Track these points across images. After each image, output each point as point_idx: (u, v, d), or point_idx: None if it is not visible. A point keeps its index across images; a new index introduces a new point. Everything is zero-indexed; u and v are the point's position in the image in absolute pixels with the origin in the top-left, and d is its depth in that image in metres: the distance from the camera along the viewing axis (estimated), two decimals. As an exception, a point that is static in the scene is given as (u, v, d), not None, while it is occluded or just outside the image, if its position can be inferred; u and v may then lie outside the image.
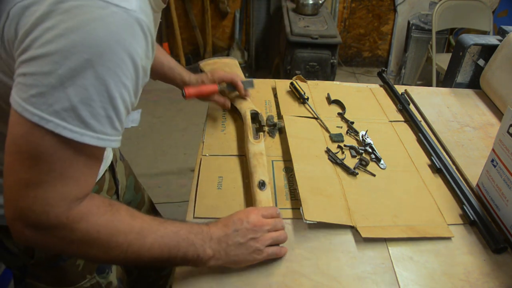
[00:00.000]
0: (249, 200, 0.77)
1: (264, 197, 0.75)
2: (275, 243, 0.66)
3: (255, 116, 0.98)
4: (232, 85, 0.98)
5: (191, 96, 0.90)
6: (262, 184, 0.77)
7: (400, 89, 1.18)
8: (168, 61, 0.96)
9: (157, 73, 0.96)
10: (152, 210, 1.11)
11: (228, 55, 3.22)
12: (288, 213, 0.76)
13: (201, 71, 1.10)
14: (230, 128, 0.99)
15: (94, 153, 0.51)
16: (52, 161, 0.47)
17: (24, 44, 0.45)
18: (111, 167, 0.83)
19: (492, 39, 1.22)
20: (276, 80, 1.18)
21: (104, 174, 0.79)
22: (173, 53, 3.04)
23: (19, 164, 0.47)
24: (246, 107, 0.98)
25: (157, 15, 0.63)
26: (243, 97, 1.00)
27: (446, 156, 0.93)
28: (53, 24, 0.44)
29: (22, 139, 0.46)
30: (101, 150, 0.52)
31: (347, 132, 0.99)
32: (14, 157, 0.47)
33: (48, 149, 0.46)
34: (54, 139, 0.46)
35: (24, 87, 0.45)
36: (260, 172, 0.80)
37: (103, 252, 0.54)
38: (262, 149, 0.86)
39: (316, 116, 1.02)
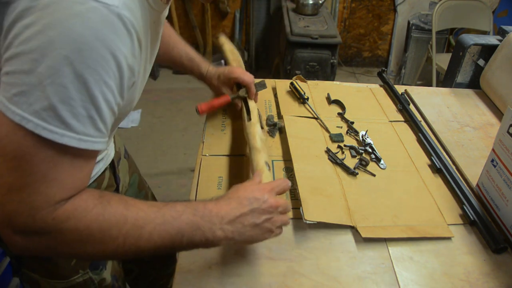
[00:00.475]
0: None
1: (269, 174, 0.73)
2: (282, 225, 0.64)
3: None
4: (245, 90, 0.97)
5: (205, 112, 0.94)
6: (267, 164, 0.75)
7: (400, 89, 1.18)
8: (187, 52, 0.97)
9: (176, 64, 0.98)
10: None
11: (228, 55, 3.21)
12: (288, 213, 0.76)
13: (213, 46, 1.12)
14: (230, 128, 0.99)
15: (81, 154, 0.49)
16: (34, 162, 0.46)
17: (7, 41, 0.45)
18: (112, 165, 0.83)
19: (492, 39, 1.23)
20: (276, 80, 1.18)
21: (104, 171, 0.79)
22: (173, 53, 3.04)
23: (3, 167, 0.46)
24: (253, 105, 0.98)
25: (159, 14, 0.61)
26: (253, 100, 0.99)
27: (446, 156, 0.93)
28: (32, 20, 0.43)
29: (6, 139, 0.45)
30: (88, 151, 0.49)
31: (347, 132, 0.99)
32: None
33: (30, 150, 0.45)
34: (35, 140, 0.45)
35: (7, 86, 0.44)
36: (264, 156, 0.78)
37: (99, 249, 0.51)
38: (266, 139, 0.86)
39: (316, 116, 1.02)
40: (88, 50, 0.44)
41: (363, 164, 0.88)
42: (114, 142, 0.86)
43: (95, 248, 0.51)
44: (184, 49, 0.97)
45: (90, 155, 0.51)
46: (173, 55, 0.96)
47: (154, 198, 1.11)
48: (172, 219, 0.54)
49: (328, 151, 0.91)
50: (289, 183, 0.66)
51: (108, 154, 0.80)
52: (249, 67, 3.23)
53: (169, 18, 2.92)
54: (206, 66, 0.99)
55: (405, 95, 1.16)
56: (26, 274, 0.75)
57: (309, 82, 1.18)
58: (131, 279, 1.09)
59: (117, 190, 0.86)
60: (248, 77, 0.96)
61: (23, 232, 0.48)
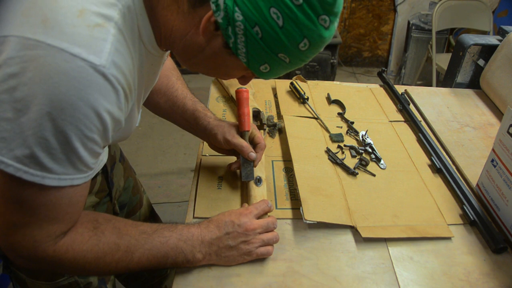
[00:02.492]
0: (246, 197, 0.77)
1: (259, 193, 0.76)
2: (267, 244, 0.67)
3: (256, 114, 0.98)
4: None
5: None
6: (258, 180, 0.78)
7: (400, 89, 1.18)
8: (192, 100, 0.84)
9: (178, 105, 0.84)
10: (150, 213, 1.10)
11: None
12: (288, 213, 0.76)
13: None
14: (230, 128, 0.98)
15: (76, 191, 0.52)
16: (29, 204, 0.48)
17: None
18: (105, 170, 0.83)
19: (492, 39, 1.22)
20: (276, 80, 1.18)
21: (96, 176, 0.79)
22: (173, 53, 3.04)
23: (1, 206, 0.49)
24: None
25: (159, 58, 0.61)
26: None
27: (446, 156, 0.93)
28: (18, 71, 0.43)
29: None
30: (81, 188, 0.52)
31: (347, 132, 0.99)
32: None
33: (25, 194, 0.48)
34: (16, 182, 0.46)
35: None
36: (257, 168, 0.80)
37: (94, 271, 0.58)
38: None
39: (316, 116, 1.02)
40: (71, 109, 0.44)
41: (363, 164, 0.88)
42: (109, 147, 0.85)
43: (90, 271, 0.57)
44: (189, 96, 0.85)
45: (83, 189, 0.54)
46: (180, 113, 0.83)
47: (148, 202, 1.10)
48: (160, 244, 0.60)
49: (328, 151, 0.91)
50: (269, 204, 0.70)
51: (100, 160, 0.79)
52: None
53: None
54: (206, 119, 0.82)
55: (405, 95, 1.16)
56: (14, 273, 0.76)
57: (309, 82, 1.18)
58: (122, 278, 1.09)
59: (109, 194, 0.86)
60: (245, 149, 0.77)
61: (26, 258, 0.53)
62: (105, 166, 0.81)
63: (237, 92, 0.82)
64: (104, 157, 0.80)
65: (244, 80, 0.63)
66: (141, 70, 0.56)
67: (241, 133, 0.79)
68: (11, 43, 0.43)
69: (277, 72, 0.55)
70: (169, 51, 0.64)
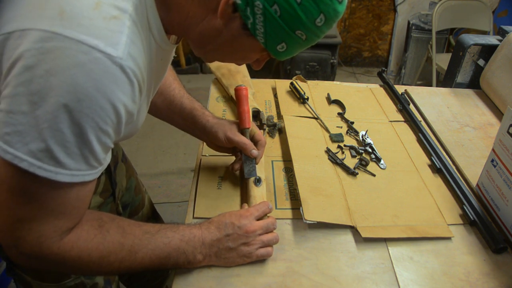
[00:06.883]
0: (246, 197, 0.77)
1: (258, 193, 0.76)
2: (266, 245, 0.67)
3: (256, 114, 0.98)
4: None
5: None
6: (258, 181, 0.78)
7: (400, 89, 1.18)
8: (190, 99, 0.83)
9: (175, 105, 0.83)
10: (152, 213, 1.10)
11: (228, 55, 3.20)
12: (288, 213, 0.76)
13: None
14: (230, 128, 0.98)
15: (85, 187, 0.52)
16: (38, 198, 0.48)
17: (7, 80, 0.45)
18: (108, 170, 0.83)
19: (492, 39, 1.22)
20: (276, 80, 1.18)
21: (100, 176, 0.79)
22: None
23: (11, 201, 0.48)
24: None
25: (168, 52, 0.62)
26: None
27: (446, 156, 0.93)
28: (34, 63, 0.43)
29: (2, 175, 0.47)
30: (88, 184, 0.52)
31: (347, 132, 0.99)
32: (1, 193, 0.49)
33: (35, 188, 0.47)
34: (28, 177, 0.46)
35: (0, 123, 0.45)
36: (257, 169, 0.80)
37: (96, 271, 0.57)
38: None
39: (316, 116, 1.02)
40: (87, 100, 0.44)
41: (363, 164, 0.88)
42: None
43: (93, 270, 0.56)
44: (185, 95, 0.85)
45: (90, 185, 0.53)
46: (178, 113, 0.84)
47: (150, 202, 1.10)
48: (163, 245, 0.60)
49: (328, 151, 0.91)
50: (270, 205, 0.70)
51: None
52: (249, 67, 3.21)
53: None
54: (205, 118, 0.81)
55: (405, 95, 1.16)
56: (18, 275, 0.75)
57: (309, 82, 1.18)
58: (125, 279, 1.09)
59: (113, 194, 0.86)
60: (248, 146, 0.78)
61: (29, 255, 0.52)
62: (108, 166, 0.81)
63: (237, 90, 0.82)
64: (108, 157, 0.80)
65: (258, 63, 0.63)
66: (151, 63, 0.56)
67: (242, 130, 0.79)
68: (28, 36, 0.43)
69: (293, 50, 0.56)
70: (175, 46, 0.64)
